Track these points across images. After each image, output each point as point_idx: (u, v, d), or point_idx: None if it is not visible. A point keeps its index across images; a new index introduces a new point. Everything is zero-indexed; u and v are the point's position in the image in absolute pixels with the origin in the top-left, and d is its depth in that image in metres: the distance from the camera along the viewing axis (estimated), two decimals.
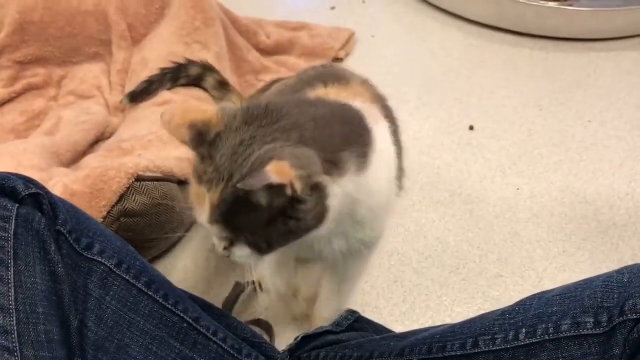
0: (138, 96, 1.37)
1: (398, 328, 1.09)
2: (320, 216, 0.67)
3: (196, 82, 1.41)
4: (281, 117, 0.67)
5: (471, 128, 1.57)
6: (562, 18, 1.91)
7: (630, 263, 1.21)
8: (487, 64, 1.83)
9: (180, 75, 1.40)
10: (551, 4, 1.96)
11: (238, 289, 1.11)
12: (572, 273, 1.21)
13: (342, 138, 0.70)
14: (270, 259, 0.91)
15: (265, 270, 0.99)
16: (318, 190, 0.65)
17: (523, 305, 0.75)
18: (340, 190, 0.68)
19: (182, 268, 1.20)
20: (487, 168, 1.45)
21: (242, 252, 0.70)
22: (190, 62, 1.40)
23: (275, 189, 0.61)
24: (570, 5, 1.97)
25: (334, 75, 0.89)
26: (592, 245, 1.27)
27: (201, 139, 0.66)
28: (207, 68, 1.40)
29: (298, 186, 0.61)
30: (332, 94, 0.82)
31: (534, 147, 1.52)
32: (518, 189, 1.40)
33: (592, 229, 1.30)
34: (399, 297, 1.16)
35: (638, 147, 1.52)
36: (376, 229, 0.84)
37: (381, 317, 1.10)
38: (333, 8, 2.10)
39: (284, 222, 0.66)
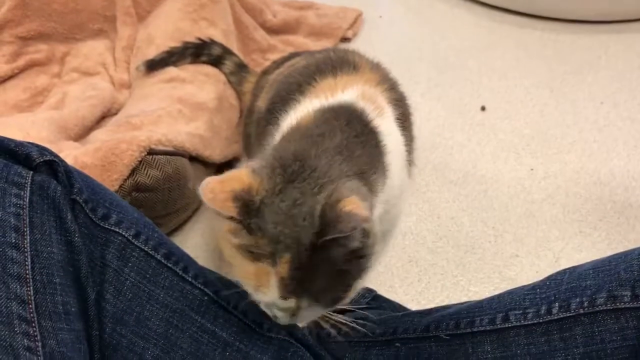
0: (156, 65, 1.34)
1: (414, 307, 1.07)
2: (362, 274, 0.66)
3: (215, 63, 1.37)
4: (314, 165, 0.65)
5: (483, 108, 1.54)
6: (573, 0, 1.88)
7: None
8: (498, 45, 1.80)
9: (203, 52, 1.36)
10: None
11: None
12: (589, 253, 1.19)
13: (367, 159, 0.72)
14: None
15: None
16: None
17: (554, 279, 0.73)
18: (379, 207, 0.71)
19: (193, 246, 1.17)
20: (500, 148, 1.43)
21: (311, 313, 0.66)
22: (213, 42, 1.37)
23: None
24: None
25: (342, 61, 0.87)
26: (608, 225, 1.25)
27: (247, 209, 0.61)
28: (228, 51, 1.37)
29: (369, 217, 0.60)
30: (340, 84, 0.81)
31: (547, 127, 1.49)
32: (532, 169, 1.37)
33: (608, 209, 1.28)
34: (413, 276, 1.13)
35: None
36: (393, 219, 0.85)
37: (396, 297, 1.08)
38: None
39: (357, 263, 0.64)
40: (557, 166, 1.38)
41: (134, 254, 0.70)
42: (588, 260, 1.17)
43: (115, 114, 1.30)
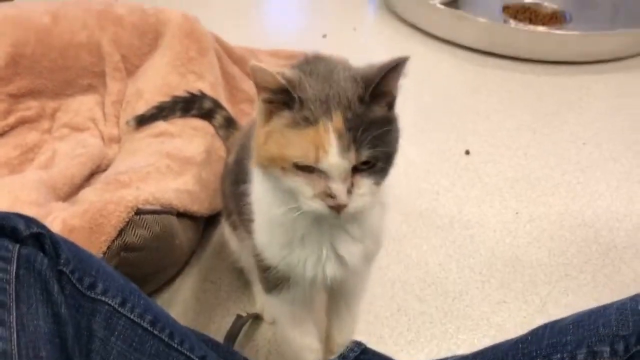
0: (146, 120, 1.36)
1: (404, 358, 1.08)
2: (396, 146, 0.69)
3: (206, 117, 1.39)
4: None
5: (467, 152, 1.57)
6: (552, 42, 1.93)
7: (632, 285, 1.22)
8: (480, 88, 1.84)
9: (193, 106, 1.38)
10: (541, 29, 1.99)
11: (240, 321, 1.09)
12: (576, 296, 1.20)
13: None
14: (287, 316, 0.91)
15: (293, 333, 0.96)
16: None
17: (535, 334, 0.74)
18: None
19: (182, 301, 1.18)
20: (485, 192, 1.45)
21: (364, 190, 0.66)
22: (204, 95, 1.39)
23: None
24: (559, 30, 2.00)
25: None
26: (593, 267, 1.26)
27: (292, 84, 0.64)
28: (218, 105, 1.39)
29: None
30: None
31: (530, 170, 1.52)
32: (517, 213, 1.40)
33: (593, 251, 1.30)
34: (403, 325, 1.14)
35: (633, 169, 1.53)
36: (379, 236, 0.85)
37: (386, 347, 1.08)
38: (324, 36, 2.12)
39: (389, 132, 0.67)
40: (541, 209, 1.41)
41: (120, 322, 0.71)
42: (576, 304, 1.19)
43: (105, 169, 1.31)
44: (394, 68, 0.64)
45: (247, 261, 1.08)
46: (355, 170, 0.65)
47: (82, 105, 1.49)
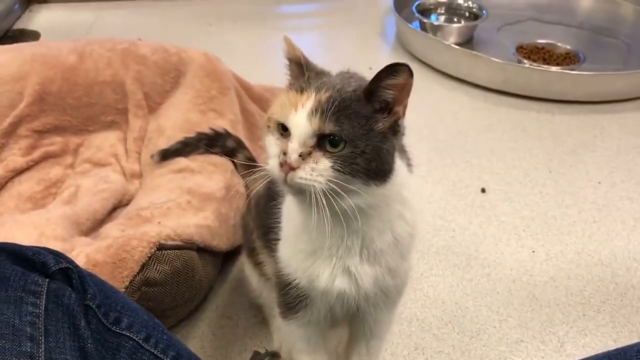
0: (170, 154, 1.39)
1: None
2: (393, 159, 0.72)
3: (228, 154, 1.41)
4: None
5: (483, 190, 1.58)
6: (566, 82, 1.95)
7: None
8: (495, 127, 1.86)
9: (217, 143, 1.41)
10: (554, 69, 2.02)
11: (257, 357, 1.09)
12: (594, 337, 1.19)
13: None
14: (303, 341, 0.92)
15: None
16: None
17: None
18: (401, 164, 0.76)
19: (199, 336, 1.18)
20: (502, 230, 1.46)
21: (319, 166, 0.67)
22: (228, 134, 1.41)
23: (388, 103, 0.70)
24: (573, 70, 2.03)
25: None
26: (611, 307, 1.26)
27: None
28: (240, 144, 1.42)
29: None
30: None
31: (546, 209, 1.53)
32: (533, 251, 1.40)
33: (611, 291, 1.30)
34: None
35: None
36: (408, 258, 0.86)
37: None
38: None
39: (382, 138, 0.69)
40: (558, 247, 1.41)
41: (144, 357, 0.72)
42: (594, 344, 1.18)
43: (127, 204, 1.34)
44: (389, 70, 0.68)
45: (268, 297, 1.09)
46: (322, 147, 0.68)
47: (105, 141, 1.53)
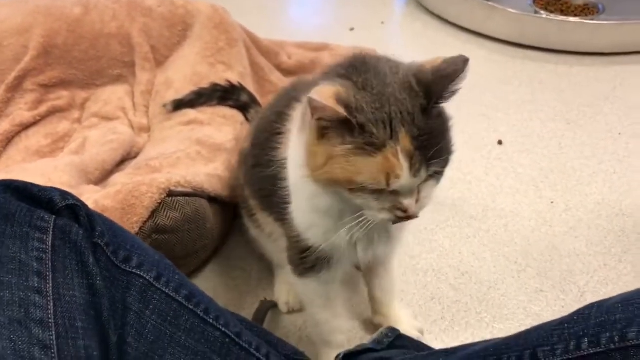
0: (184, 105, 1.37)
1: (438, 345, 1.05)
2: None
3: (241, 109, 1.39)
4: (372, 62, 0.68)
5: (500, 142, 1.54)
6: (585, 32, 1.89)
7: None
8: (511, 79, 1.81)
9: (232, 97, 1.38)
10: (572, 19, 1.95)
11: (266, 305, 1.07)
12: (615, 286, 1.16)
13: None
14: (322, 298, 0.91)
15: (326, 315, 0.94)
16: None
17: (582, 314, 0.71)
18: None
19: (212, 289, 1.16)
20: (519, 182, 1.42)
21: (428, 193, 0.67)
22: (243, 88, 1.39)
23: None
24: (592, 20, 1.96)
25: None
26: (633, 257, 1.22)
27: (349, 108, 0.62)
28: (254, 100, 1.39)
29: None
30: None
31: (565, 160, 1.48)
32: (552, 202, 1.36)
33: (632, 242, 1.26)
34: (437, 314, 1.11)
35: None
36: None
37: (420, 335, 1.06)
38: (352, 29, 2.10)
39: (448, 135, 0.68)
40: (577, 198, 1.37)
41: (155, 296, 0.70)
42: (614, 294, 1.15)
43: (135, 157, 1.31)
44: (458, 71, 0.64)
45: (267, 248, 1.07)
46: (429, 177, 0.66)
47: (112, 95, 1.50)
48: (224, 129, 1.32)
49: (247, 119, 1.38)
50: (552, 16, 1.95)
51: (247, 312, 1.11)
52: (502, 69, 1.86)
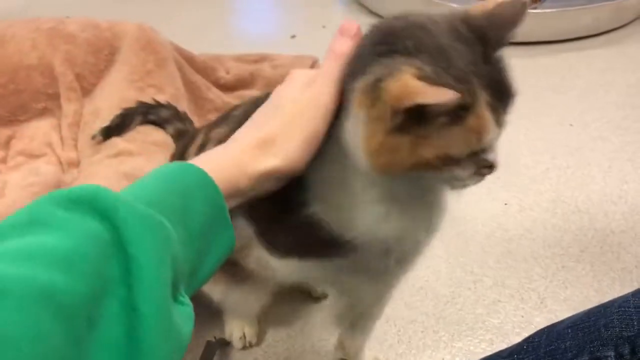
0: (112, 131, 1.30)
1: None
2: None
3: (162, 124, 1.33)
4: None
5: None
6: (529, 21, 1.84)
7: (635, 272, 1.14)
8: None
9: (153, 111, 1.33)
10: None
11: (213, 345, 1.00)
12: (575, 289, 1.12)
13: None
14: None
15: None
16: None
17: (531, 342, 0.66)
18: None
19: None
20: None
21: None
22: (169, 106, 1.34)
23: None
24: (535, 9, 1.93)
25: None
26: (591, 256, 1.18)
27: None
28: (177, 115, 1.33)
29: None
30: None
31: (517, 157, 1.44)
32: (506, 204, 1.32)
33: (589, 239, 1.22)
34: (392, 337, 1.06)
35: (624, 147, 1.46)
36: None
37: None
38: (293, 36, 2.04)
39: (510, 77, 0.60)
40: (531, 198, 1.33)
41: None
42: (575, 297, 1.11)
43: None
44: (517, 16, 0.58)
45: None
46: None
47: (37, 130, 1.40)
48: (156, 157, 1.24)
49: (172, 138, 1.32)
50: None
51: (193, 356, 1.04)
52: None
